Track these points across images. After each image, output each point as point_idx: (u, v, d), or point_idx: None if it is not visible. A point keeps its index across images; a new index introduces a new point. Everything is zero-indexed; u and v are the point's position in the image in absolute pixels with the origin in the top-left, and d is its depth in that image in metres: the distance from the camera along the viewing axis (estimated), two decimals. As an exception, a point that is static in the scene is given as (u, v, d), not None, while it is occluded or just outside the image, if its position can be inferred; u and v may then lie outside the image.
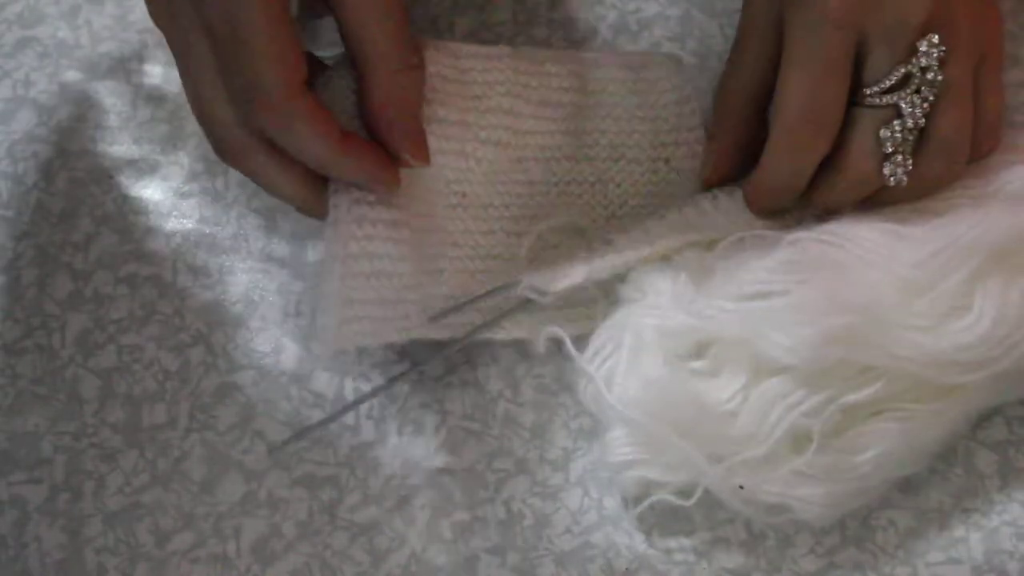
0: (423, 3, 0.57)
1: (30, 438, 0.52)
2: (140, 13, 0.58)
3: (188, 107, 0.56)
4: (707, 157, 0.51)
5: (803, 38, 0.46)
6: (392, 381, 0.51)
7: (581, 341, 0.49)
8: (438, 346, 0.50)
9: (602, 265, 0.49)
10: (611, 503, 0.49)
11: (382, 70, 0.46)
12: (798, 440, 0.46)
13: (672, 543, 0.49)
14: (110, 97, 0.57)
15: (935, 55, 0.45)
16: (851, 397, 0.45)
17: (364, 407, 0.52)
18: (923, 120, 0.46)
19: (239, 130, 0.46)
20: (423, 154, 0.47)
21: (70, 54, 0.58)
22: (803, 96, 0.46)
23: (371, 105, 0.47)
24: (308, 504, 0.51)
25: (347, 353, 0.52)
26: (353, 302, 0.46)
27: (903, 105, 0.46)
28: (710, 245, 0.49)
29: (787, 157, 0.47)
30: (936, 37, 0.45)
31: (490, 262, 0.51)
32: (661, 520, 0.49)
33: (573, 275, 0.49)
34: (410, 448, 0.51)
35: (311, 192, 0.48)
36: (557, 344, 0.49)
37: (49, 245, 0.55)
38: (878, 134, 0.46)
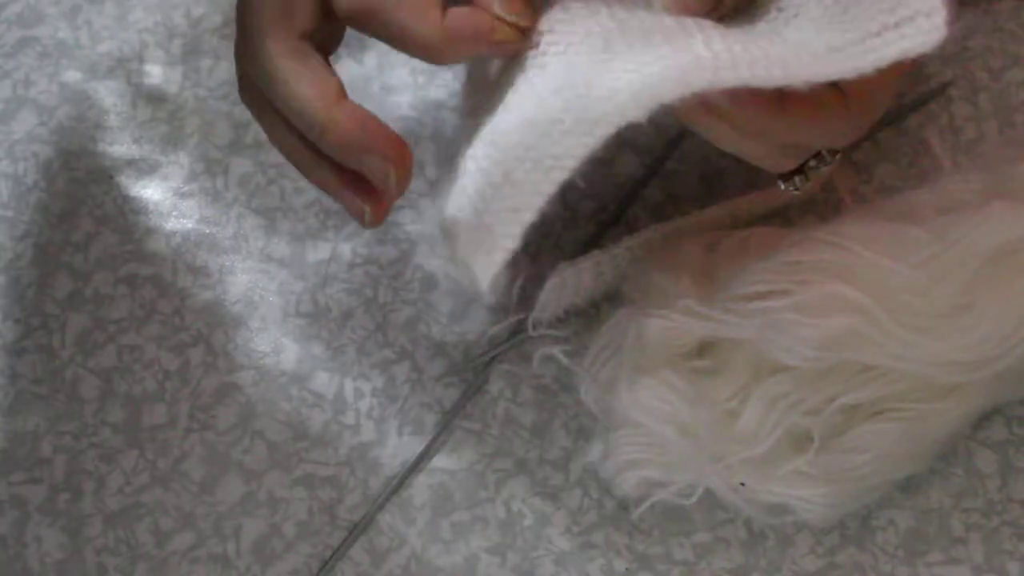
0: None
1: (30, 438, 0.52)
2: (140, 13, 0.58)
3: (188, 107, 0.57)
4: None
5: None
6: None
7: (583, 341, 0.49)
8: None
9: (585, 263, 0.49)
10: (611, 503, 0.49)
11: None
12: (798, 440, 0.46)
13: (672, 543, 0.49)
14: (110, 97, 0.57)
15: None
16: (851, 397, 0.45)
17: (364, 407, 0.52)
18: None
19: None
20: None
21: (70, 54, 0.58)
22: None
23: None
24: (308, 504, 0.51)
25: (346, 353, 0.52)
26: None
27: None
28: (712, 245, 0.49)
29: None
30: None
31: None
32: (661, 520, 0.49)
33: (556, 277, 0.49)
34: (410, 448, 0.51)
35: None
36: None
37: (49, 245, 0.55)
38: None
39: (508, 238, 0.40)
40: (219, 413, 0.52)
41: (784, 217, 0.52)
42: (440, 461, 0.51)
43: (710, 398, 0.46)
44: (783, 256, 0.46)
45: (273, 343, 0.53)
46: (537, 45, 0.42)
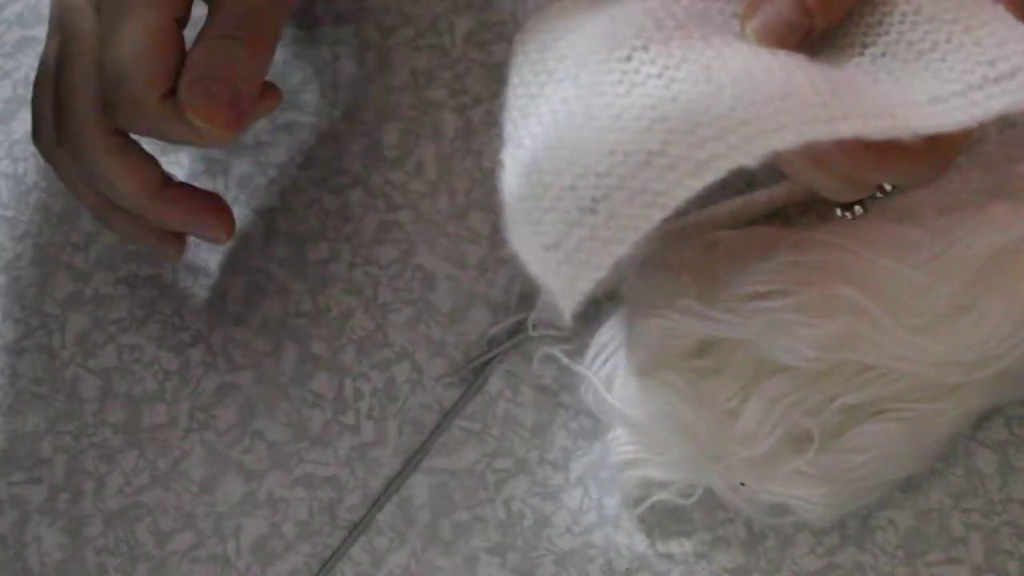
0: (423, 3, 0.57)
1: (30, 438, 0.52)
2: (140, 13, 0.58)
3: (188, 107, 0.56)
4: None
5: None
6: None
7: (583, 340, 0.49)
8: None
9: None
10: (611, 503, 0.49)
11: (208, 33, 0.45)
12: (798, 440, 0.46)
13: (672, 543, 0.49)
14: (110, 97, 0.57)
15: None
16: (851, 397, 0.45)
17: (364, 407, 0.52)
18: None
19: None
20: (223, 124, 0.44)
21: (70, 54, 0.58)
22: None
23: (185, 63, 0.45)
24: (308, 504, 0.51)
25: (346, 353, 0.52)
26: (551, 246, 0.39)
27: None
28: (712, 245, 0.49)
29: None
30: None
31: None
32: (661, 520, 0.49)
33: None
34: (410, 448, 0.51)
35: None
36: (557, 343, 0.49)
37: (49, 245, 0.55)
38: None
39: (597, 269, 0.37)
40: (219, 413, 0.52)
41: (784, 217, 0.52)
42: (440, 461, 0.51)
43: (710, 398, 0.46)
44: (783, 256, 0.46)
45: (273, 343, 0.53)
46: (629, 59, 0.40)
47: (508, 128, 0.42)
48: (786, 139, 0.37)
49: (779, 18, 0.40)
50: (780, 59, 0.39)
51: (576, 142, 0.39)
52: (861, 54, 0.41)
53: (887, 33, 0.41)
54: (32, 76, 0.58)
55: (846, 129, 0.37)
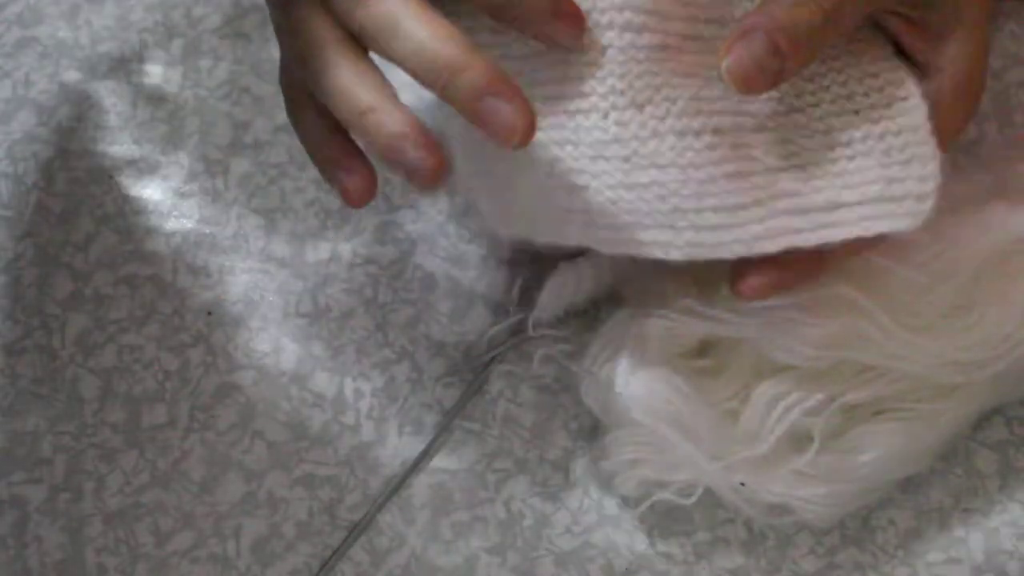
0: (423, 3, 0.57)
1: (30, 438, 0.52)
2: (140, 13, 0.58)
3: (188, 107, 0.56)
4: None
5: None
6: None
7: (583, 340, 0.49)
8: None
9: (585, 263, 0.49)
10: (611, 503, 0.49)
11: None
12: (799, 440, 0.46)
13: (672, 543, 0.49)
14: (110, 97, 0.57)
15: None
16: (851, 397, 0.45)
17: (364, 407, 0.52)
18: None
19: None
20: (578, 33, 0.41)
21: (70, 54, 0.58)
22: None
23: None
24: (308, 504, 0.51)
25: (346, 353, 0.52)
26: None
27: None
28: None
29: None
30: None
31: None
32: (661, 520, 0.49)
33: (556, 276, 0.49)
34: (410, 448, 0.51)
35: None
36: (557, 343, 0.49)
37: (49, 245, 0.55)
38: None
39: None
40: (219, 413, 0.52)
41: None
42: (440, 461, 0.51)
43: (710, 398, 0.46)
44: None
45: (273, 343, 0.53)
46: (642, 107, 0.42)
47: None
48: (723, 256, 0.42)
49: (752, 59, 0.41)
50: (736, 163, 0.42)
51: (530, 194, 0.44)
52: (804, 111, 0.44)
53: (816, 106, 0.44)
54: (32, 76, 0.58)
55: (773, 247, 0.42)
